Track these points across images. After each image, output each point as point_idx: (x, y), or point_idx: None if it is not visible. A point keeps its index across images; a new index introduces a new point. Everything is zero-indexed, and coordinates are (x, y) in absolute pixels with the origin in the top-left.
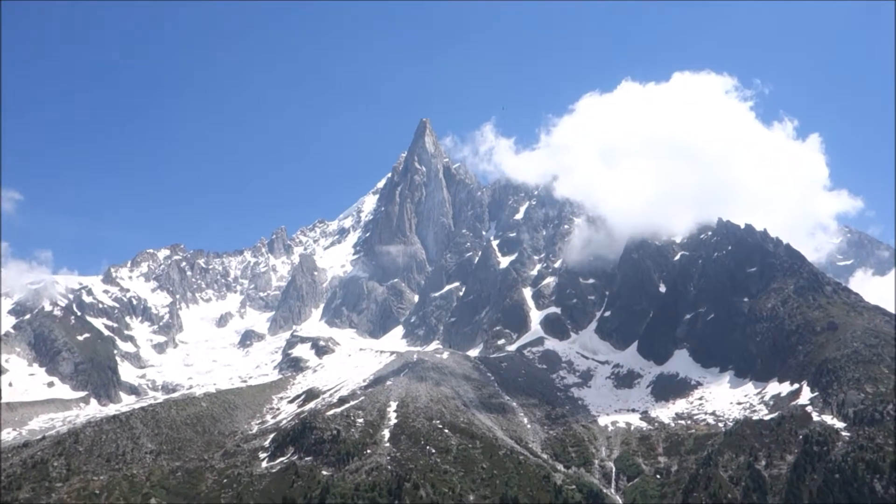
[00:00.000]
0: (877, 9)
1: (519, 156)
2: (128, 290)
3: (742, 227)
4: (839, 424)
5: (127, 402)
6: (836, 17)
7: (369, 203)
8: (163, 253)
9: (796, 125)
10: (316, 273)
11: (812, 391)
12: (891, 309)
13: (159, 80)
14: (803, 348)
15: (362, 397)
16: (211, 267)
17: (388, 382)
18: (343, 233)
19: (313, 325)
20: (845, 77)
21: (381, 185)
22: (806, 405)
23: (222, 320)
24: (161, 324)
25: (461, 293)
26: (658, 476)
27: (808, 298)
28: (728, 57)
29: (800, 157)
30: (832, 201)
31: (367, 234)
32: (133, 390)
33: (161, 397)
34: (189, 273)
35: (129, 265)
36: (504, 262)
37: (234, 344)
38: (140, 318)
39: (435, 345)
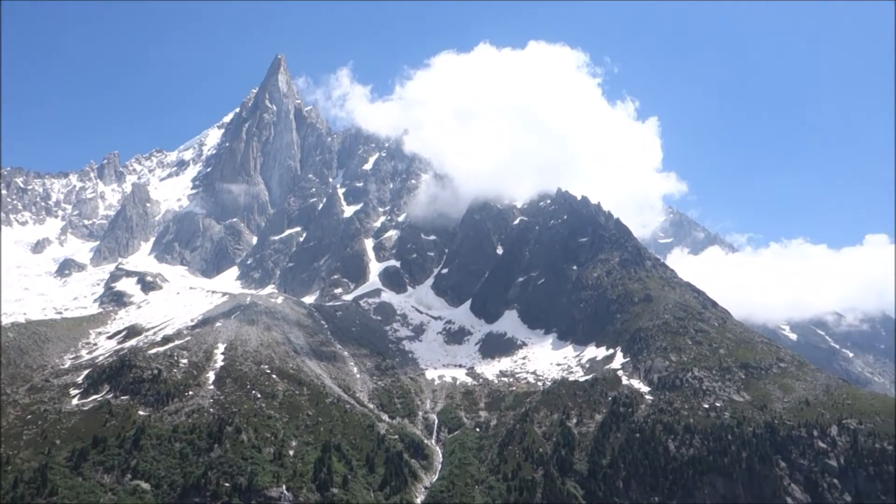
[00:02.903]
0: (727, 8)
1: (373, 105)
2: None
3: (578, 198)
4: (645, 389)
5: None
6: (689, 10)
7: (213, 137)
8: None
9: (638, 107)
10: (149, 205)
11: (625, 357)
12: (700, 286)
13: None
14: (621, 317)
15: (189, 337)
16: (30, 187)
17: (218, 324)
18: (182, 165)
19: (141, 259)
20: (687, 67)
21: (227, 119)
22: (618, 369)
23: (39, 246)
24: None
25: (302, 239)
26: (478, 429)
27: (629, 271)
28: (583, 31)
29: (638, 138)
30: (661, 182)
31: (209, 170)
32: None
33: None
34: (4, 192)
35: None
36: (348, 211)
37: (50, 272)
38: None
39: (270, 289)
